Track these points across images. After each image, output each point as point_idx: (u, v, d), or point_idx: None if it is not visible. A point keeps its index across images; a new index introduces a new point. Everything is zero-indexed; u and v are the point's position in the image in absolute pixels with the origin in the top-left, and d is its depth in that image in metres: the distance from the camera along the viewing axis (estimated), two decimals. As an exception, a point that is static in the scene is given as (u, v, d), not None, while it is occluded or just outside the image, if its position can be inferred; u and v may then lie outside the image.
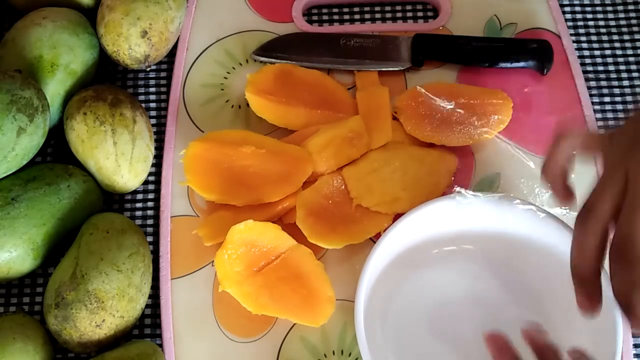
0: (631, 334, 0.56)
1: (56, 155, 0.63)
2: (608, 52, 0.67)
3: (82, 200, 0.58)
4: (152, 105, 0.65)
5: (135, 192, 0.62)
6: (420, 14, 0.68)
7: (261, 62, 0.65)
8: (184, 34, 0.66)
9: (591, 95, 0.64)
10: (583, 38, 0.67)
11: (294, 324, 0.56)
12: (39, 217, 0.55)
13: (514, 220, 0.55)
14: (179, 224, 0.60)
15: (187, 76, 0.65)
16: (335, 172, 0.59)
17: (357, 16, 0.68)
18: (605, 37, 0.67)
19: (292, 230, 0.57)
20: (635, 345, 0.57)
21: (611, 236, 0.43)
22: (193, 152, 0.58)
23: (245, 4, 0.68)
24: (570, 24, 0.68)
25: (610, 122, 0.64)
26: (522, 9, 0.67)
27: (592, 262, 0.44)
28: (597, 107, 0.64)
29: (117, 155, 0.58)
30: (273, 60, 0.65)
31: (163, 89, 0.65)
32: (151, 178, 0.62)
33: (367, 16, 0.68)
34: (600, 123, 0.64)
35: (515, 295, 0.56)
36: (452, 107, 0.60)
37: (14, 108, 0.53)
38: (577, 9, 0.68)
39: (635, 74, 0.66)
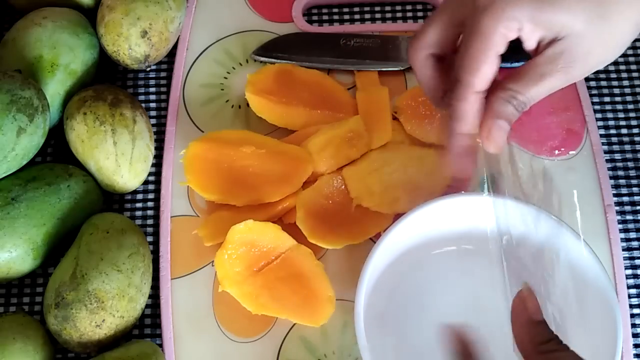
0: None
1: (56, 155, 0.63)
2: (608, 52, 0.67)
3: (82, 200, 0.58)
4: (152, 105, 0.65)
5: (135, 192, 0.62)
6: (420, 14, 0.68)
7: (261, 62, 0.65)
8: (184, 34, 0.66)
9: (591, 95, 0.64)
10: (583, 38, 0.67)
11: (294, 324, 0.56)
12: (39, 217, 0.55)
13: (514, 220, 0.55)
14: (179, 224, 0.60)
15: (187, 76, 0.65)
16: (335, 172, 0.59)
17: (357, 16, 0.68)
18: (605, 37, 0.67)
19: (292, 230, 0.57)
20: (636, 345, 0.57)
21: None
22: (193, 152, 0.58)
23: (245, 4, 0.68)
24: (570, 24, 0.68)
25: (610, 122, 0.64)
26: (522, 9, 0.67)
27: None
28: (597, 107, 0.64)
29: (117, 155, 0.58)
30: (273, 60, 0.65)
31: (163, 89, 0.65)
32: (151, 178, 0.62)
33: (367, 16, 0.68)
34: (601, 123, 0.64)
35: (513, 295, 0.56)
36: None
37: (14, 108, 0.53)
38: (577, 9, 0.68)
39: (635, 74, 0.66)
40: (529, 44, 0.43)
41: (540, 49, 0.42)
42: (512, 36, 0.42)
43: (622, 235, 0.60)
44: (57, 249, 0.57)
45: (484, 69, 0.42)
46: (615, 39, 0.41)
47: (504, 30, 0.41)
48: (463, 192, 0.51)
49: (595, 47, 0.41)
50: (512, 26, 0.41)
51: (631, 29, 0.41)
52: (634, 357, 0.56)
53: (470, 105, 0.44)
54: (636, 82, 0.65)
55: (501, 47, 0.42)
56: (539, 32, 0.41)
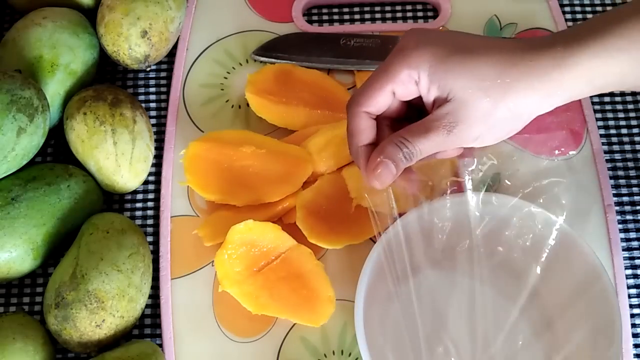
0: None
1: (56, 155, 0.63)
2: (608, 52, 0.67)
3: (82, 200, 0.58)
4: (152, 105, 0.65)
5: (135, 192, 0.62)
6: (420, 14, 0.68)
7: (261, 62, 0.65)
8: (184, 34, 0.66)
9: (591, 96, 0.64)
10: (583, 38, 0.67)
11: (294, 324, 0.56)
12: (39, 217, 0.55)
13: (513, 220, 0.55)
14: (179, 224, 0.60)
15: (187, 76, 0.65)
16: (335, 172, 0.59)
17: (357, 16, 0.68)
18: (605, 37, 0.67)
19: (292, 230, 0.57)
20: (636, 345, 0.57)
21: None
22: (193, 152, 0.58)
23: (245, 4, 0.68)
24: (570, 24, 0.68)
25: (610, 122, 0.64)
26: (522, 9, 0.67)
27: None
28: (597, 107, 0.64)
29: (117, 155, 0.58)
30: (273, 60, 0.65)
31: (163, 89, 0.65)
32: (151, 178, 0.62)
33: (367, 16, 0.68)
34: (601, 123, 0.64)
35: (514, 294, 0.56)
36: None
37: (14, 108, 0.53)
38: (577, 9, 0.68)
39: (635, 74, 0.66)
40: (427, 101, 0.47)
41: (434, 107, 0.46)
42: (412, 84, 0.46)
43: (622, 235, 0.60)
44: (57, 249, 0.57)
45: (378, 97, 0.47)
46: (493, 118, 0.46)
47: (406, 73, 0.46)
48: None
49: (474, 118, 0.45)
50: (412, 74, 0.46)
51: (507, 113, 0.46)
52: (634, 357, 0.56)
53: (358, 120, 0.48)
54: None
55: (399, 88, 0.47)
56: (433, 90, 0.46)
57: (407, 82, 0.46)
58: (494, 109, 0.45)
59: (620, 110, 0.64)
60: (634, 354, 0.56)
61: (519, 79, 0.44)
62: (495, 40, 0.47)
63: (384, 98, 0.47)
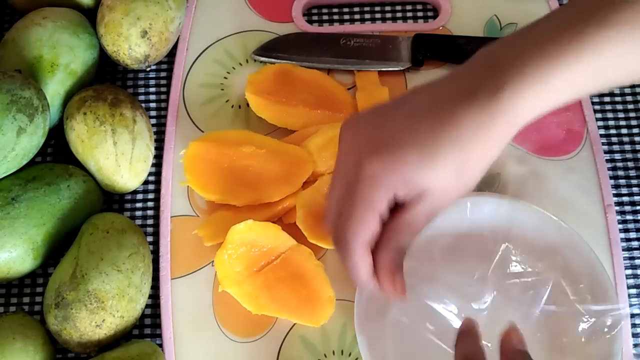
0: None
1: (56, 155, 0.63)
2: (608, 52, 0.67)
3: (82, 200, 0.58)
4: (152, 105, 0.65)
5: (135, 192, 0.62)
6: (420, 14, 0.68)
7: (261, 62, 0.65)
8: (184, 34, 0.66)
9: (591, 96, 0.64)
10: (583, 38, 0.67)
11: (294, 324, 0.56)
12: (39, 217, 0.55)
13: (513, 220, 0.55)
14: (179, 224, 0.60)
15: (187, 76, 0.65)
16: (335, 172, 0.59)
17: (357, 16, 0.68)
18: (605, 37, 0.67)
19: (292, 230, 0.57)
20: (636, 345, 0.57)
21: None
22: (193, 152, 0.58)
23: (245, 4, 0.68)
24: (570, 24, 0.68)
25: (610, 122, 0.64)
26: (522, 9, 0.67)
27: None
28: (597, 107, 0.64)
29: (117, 155, 0.58)
30: (273, 60, 0.65)
31: (163, 89, 0.66)
32: (151, 178, 0.62)
33: (367, 16, 0.68)
34: (601, 123, 0.64)
35: (515, 293, 0.56)
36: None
37: (14, 108, 0.53)
38: (577, 9, 0.68)
39: (635, 74, 0.66)
40: (399, 199, 0.46)
41: (410, 203, 0.45)
42: (389, 199, 0.45)
43: (622, 235, 0.60)
44: (57, 249, 0.57)
45: (368, 230, 0.46)
46: (468, 185, 0.46)
47: (385, 202, 0.45)
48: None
49: (450, 193, 0.45)
50: (389, 192, 0.45)
51: (480, 173, 0.46)
52: (634, 357, 0.56)
53: (360, 260, 0.47)
54: (636, 82, 0.65)
55: (382, 209, 0.45)
56: (407, 190, 0.45)
57: (388, 204, 0.46)
58: (464, 176, 0.45)
59: (620, 110, 0.64)
60: (634, 354, 0.56)
61: (478, 143, 0.44)
62: (439, 109, 0.45)
63: (374, 227, 0.46)
